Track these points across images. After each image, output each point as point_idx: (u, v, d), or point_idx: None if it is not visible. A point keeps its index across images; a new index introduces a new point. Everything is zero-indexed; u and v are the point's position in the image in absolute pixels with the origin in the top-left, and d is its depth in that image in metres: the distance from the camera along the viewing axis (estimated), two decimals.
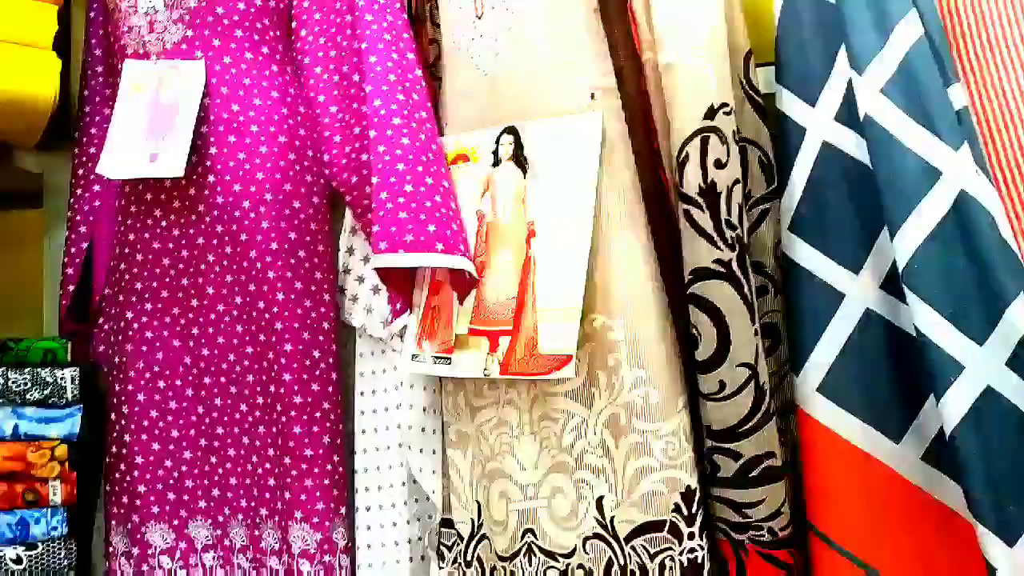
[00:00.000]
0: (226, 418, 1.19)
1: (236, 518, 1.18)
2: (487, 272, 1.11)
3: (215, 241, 1.19)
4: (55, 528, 1.18)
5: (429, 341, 1.13)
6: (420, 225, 1.06)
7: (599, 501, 1.03)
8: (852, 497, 1.01)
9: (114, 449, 1.23)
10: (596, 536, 1.03)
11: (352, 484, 1.18)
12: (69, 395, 1.21)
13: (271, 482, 1.15)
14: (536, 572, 1.06)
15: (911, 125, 0.97)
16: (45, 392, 1.19)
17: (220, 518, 1.19)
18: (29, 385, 1.19)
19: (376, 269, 1.11)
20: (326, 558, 1.11)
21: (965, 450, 0.92)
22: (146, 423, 1.21)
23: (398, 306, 1.17)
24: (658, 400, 1.02)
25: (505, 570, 1.09)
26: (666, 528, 1.00)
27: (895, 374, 1.01)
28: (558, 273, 1.06)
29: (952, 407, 0.92)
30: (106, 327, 1.28)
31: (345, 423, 1.21)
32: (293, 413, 1.13)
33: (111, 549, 1.22)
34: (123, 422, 1.22)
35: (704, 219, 1.01)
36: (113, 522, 1.23)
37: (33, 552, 1.16)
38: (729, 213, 1.01)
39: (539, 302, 1.06)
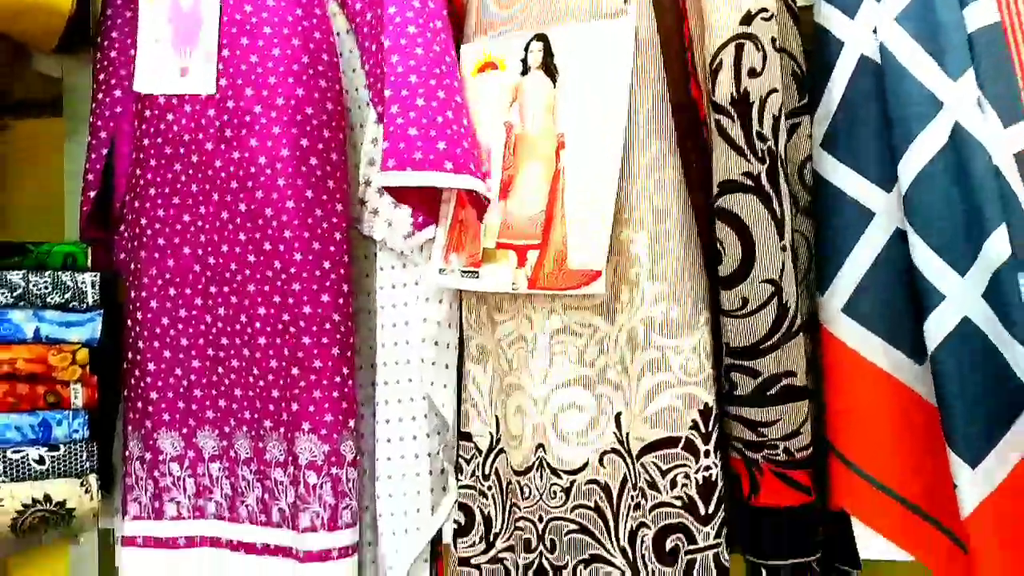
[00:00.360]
0: (229, 328, 1.18)
1: (241, 429, 1.18)
2: (515, 185, 1.08)
3: (223, 146, 1.17)
4: (76, 431, 1.19)
5: (456, 254, 1.11)
6: (430, 143, 1.02)
7: (617, 417, 1.02)
8: (873, 419, 1.00)
9: (130, 355, 1.24)
10: (614, 451, 1.03)
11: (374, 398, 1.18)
12: (90, 300, 1.21)
13: (275, 393, 1.14)
14: (544, 488, 1.06)
15: (920, 54, 0.97)
16: (66, 296, 1.19)
17: (226, 429, 1.19)
18: (50, 288, 1.19)
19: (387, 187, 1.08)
20: (333, 470, 1.11)
21: (940, 376, 0.93)
22: (158, 331, 1.21)
23: (420, 219, 1.14)
24: (678, 316, 1.00)
25: (519, 484, 1.08)
26: (681, 445, 0.99)
27: None
28: (588, 186, 1.03)
29: (932, 333, 0.94)
30: (126, 234, 1.28)
31: (360, 336, 1.20)
32: (302, 324, 1.11)
33: (127, 453, 1.24)
34: (137, 329, 1.22)
35: (735, 130, 0.97)
36: (130, 427, 1.24)
37: (55, 453, 1.17)
38: (761, 124, 0.96)
39: (568, 215, 1.03)
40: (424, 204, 1.13)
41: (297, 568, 1.10)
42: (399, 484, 1.16)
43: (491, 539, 1.11)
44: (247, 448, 1.17)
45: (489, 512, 1.12)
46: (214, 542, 1.19)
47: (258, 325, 1.14)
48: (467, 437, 1.16)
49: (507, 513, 1.10)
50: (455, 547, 1.14)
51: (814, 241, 1.07)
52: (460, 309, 1.18)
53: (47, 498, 1.17)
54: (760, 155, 0.96)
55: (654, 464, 0.99)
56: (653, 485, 0.99)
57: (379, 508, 1.16)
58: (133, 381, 1.23)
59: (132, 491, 1.23)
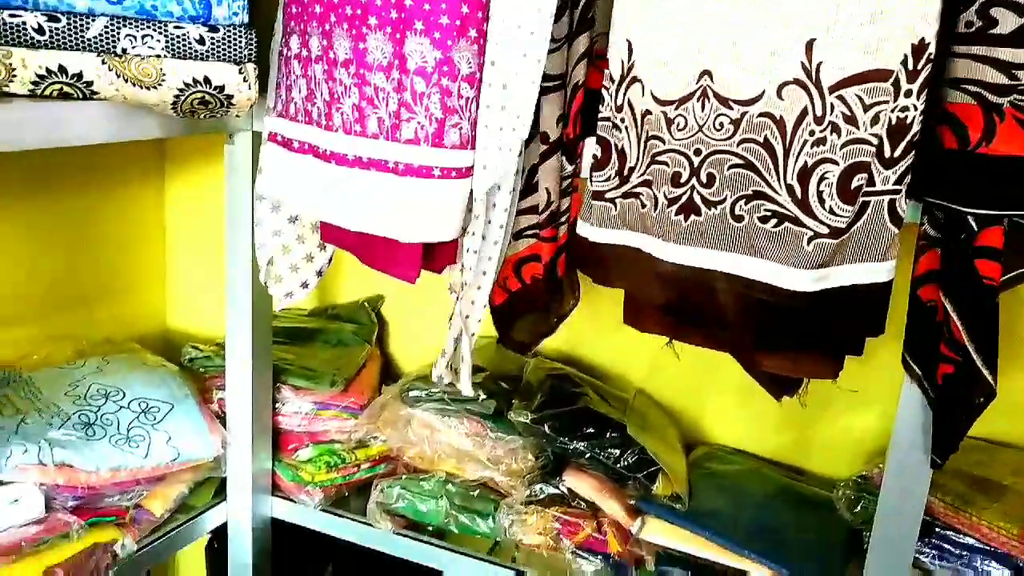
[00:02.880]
0: None
1: (341, 27, 1.04)
2: None
3: None
4: (236, 14, 1.15)
5: None
6: None
7: (809, 43, 0.85)
8: None
9: None
10: (796, 82, 0.87)
11: None
12: None
13: None
14: (707, 118, 0.92)
15: None
16: None
17: (327, 26, 1.06)
18: None
19: None
20: (444, 81, 0.96)
21: None
22: None
23: None
24: None
25: (666, 116, 0.94)
26: (888, 79, 0.85)
27: None
28: None
29: None
30: None
31: None
32: None
33: (278, 49, 1.21)
34: None
35: None
36: (281, 22, 1.19)
37: (215, 35, 1.15)
38: None
39: None
40: None
41: (394, 182, 1.01)
42: (502, 95, 0.98)
43: (625, 173, 1.00)
44: (346, 49, 1.04)
45: (623, 146, 1.00)
46: (313, 150, 1.12)
47: None
48: (606, 63, 1.01)
49: (643, 146, 0.98)
50: (591, 181, 1.05)
51: None
52: None
53: (207, 80, 1.16)
54: None
55: (857, 97, 0.86)
56: (851, 120, 0.86)
57: (480, 123, 1.00)
58: None
59: (279, 88, 1.20)
